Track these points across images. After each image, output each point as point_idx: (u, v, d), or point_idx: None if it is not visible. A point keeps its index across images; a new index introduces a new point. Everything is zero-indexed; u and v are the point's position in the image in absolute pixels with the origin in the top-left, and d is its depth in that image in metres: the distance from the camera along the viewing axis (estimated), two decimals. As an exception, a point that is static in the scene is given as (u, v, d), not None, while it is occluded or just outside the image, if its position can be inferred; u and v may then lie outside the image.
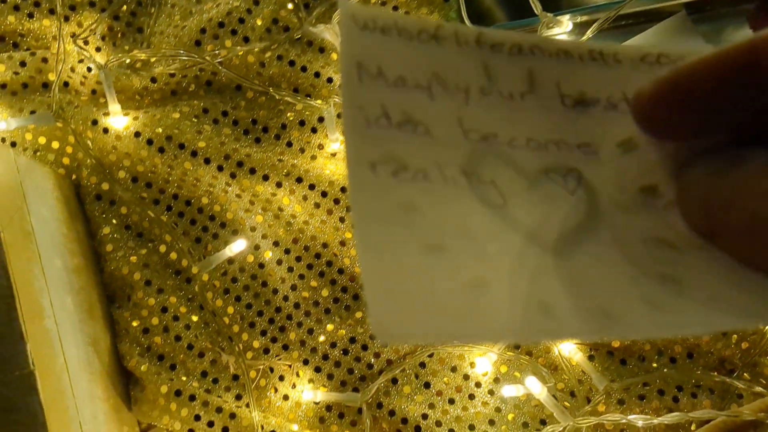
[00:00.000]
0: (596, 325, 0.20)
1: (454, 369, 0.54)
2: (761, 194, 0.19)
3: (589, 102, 0.24)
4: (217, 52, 0.54)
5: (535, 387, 0.48)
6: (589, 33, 0.53)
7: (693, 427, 0.46)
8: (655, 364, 0.52)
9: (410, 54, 0.23)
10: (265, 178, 0.55)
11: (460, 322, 0.19)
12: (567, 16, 0.55)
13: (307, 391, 0.53)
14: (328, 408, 0.53)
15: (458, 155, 0.22)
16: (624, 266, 0.21)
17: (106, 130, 0.53)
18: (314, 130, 0.56)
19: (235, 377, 0.53)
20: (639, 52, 0.24)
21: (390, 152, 0.22)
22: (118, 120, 0.53)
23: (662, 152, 0.23)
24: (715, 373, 0.50)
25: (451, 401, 0.53)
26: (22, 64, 0.54)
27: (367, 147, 0.21)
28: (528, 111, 0.24)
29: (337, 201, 0.55)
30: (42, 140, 0.54)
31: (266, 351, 0.54)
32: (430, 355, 0.53)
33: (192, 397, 0.51)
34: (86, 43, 0.56)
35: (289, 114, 0.56)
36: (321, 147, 0.56)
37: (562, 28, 0.55)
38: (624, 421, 0.44)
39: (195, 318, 0.53)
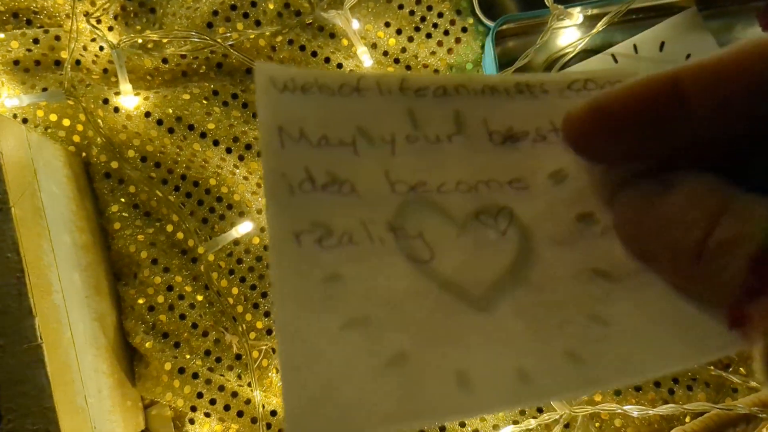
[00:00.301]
0: (511, 393, 0.20)
1: (453, 355, 0.54)
2: (685, 226, 0.19)
3: (518, 136, 0.24)
4: (228, 34, 0.54)
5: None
6: (599, 26, 0.53)
7: (687, 419, 0.47)
8: (652, 357, 0.52)
9: (333, 110, 0.23)
10: (273, 161, 0.55)
11: (377, 412, 0.19)
12: (578, 9, 0.55)
13: (308, 373, 0.53)
14: (329, 390, 0.54)
15: (385, 210, 0.22)
16: (551, 312, 0.21)
17: (116, 110, 0.54)
18: (322, 115, 0.56)
19: (238, 357, 0.54)
20: (566, 79, 0.24)
21: (315, 218, 0.21)
22: (129, 99, 0.54)
23: (594, 179, 0.23)
24: (712, 367, 0.51)
25: (450, 387, 0.53)
26: (35, 41, 0.55)
27: (291, 217, 0.21)
28: (456, 153, 0.23)
29: (343, 186, 0.56)
30: (53, 117, 0.54)
31: (269, 332, 0.54)
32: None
33: (195, 375, 0.52)
34: (99, 22, 0.56)
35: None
36: (329, 132, 0.56)
37: (572, 21, 0.55)
38: (620, 410, 0.44)
39: (200, 297, 0.54)
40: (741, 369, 0.52)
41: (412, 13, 0.58)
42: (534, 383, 0.20)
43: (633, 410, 0.44)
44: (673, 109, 0.19)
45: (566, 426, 0.51)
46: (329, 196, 0.22)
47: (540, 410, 0.52)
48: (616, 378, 0.20)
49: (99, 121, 0.54)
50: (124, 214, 0.55)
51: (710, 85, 0.18)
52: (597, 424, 0.51)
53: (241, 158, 0.55)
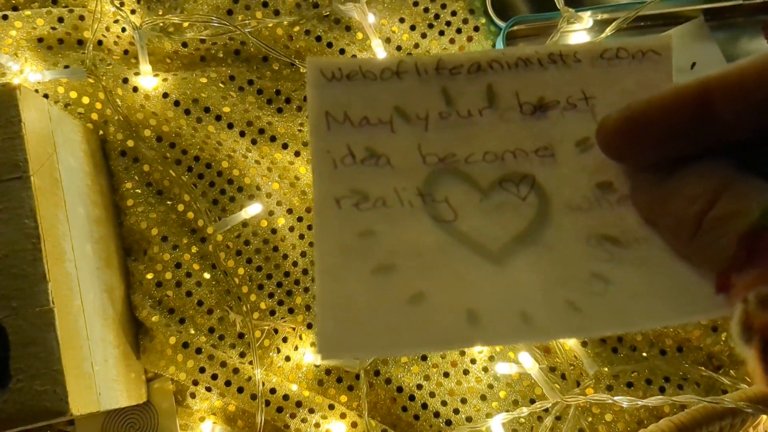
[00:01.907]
0: (514, 329, 0.23)
1: (451, 344, 0.56)
2: (690, 199, 0.21)
3: (548, 106, 0.26)
4: (247, 22, 0.56)
5: (527, 362, 0.50)
6: (608, 31, 0.55)
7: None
8: (645, 354, 0.54)
9: (374, 94, 0.26)
10: (285, 146, 0.57)
11: (395, 336, 0.22)
12: (588, 13, 0.57)
13: (308, 354, 0.55)
14: (328, 372, 0.55)
15: (416, 179, 0.25)
16: (559, 268, 0.24)
17: (135, 89, 0.55)
18: (335, 105, 0.57)
19: (241, 335, 0.55)
20: (598, 48, 0.26)
21: (354, 186, 0.25)
22: (148, 80, 0.55)
23: None
24: (703, 368, 0.52)
25: (446, 375, 0.55)
26: (60, 20, 0.56)
27: (334, 185, 0.25)
28: (486, 126, 0.26)
29: (351, 175, 0.57)
30: (73, 95, 0.56)
31: (272, 313, 0.56)
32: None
33: (198, 350, 0.53)
34: (122, 4, 0.58)
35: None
36: (340, 122, 0.57)
37: (582, 24, 0.57)
38: (609, 401, 0.46)
39: (207, 276, 0.56)
40: (731, 371, 0.53)
41: (426, 10, 0.59)
42: (534, 324, 0.22)
43: (623, 401, 0.45)
44: (703, 116, 0.21)
45: (558, 419, 0.52)
46: (367, 168, 0.25)
47: (533, 402, 0.53)
48: (607, 327, 0.23)
49: (117, 100, 0.55)
50: (137, 191, 0.56)
51: (736, 94, 0.20)
52: (589, 419, 0.53)
53: (254, 142, 0.57)
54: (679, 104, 0.21)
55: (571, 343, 0.54)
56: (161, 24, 0.57)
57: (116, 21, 0.57)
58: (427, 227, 0.25)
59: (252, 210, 0.55)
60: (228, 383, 0.53)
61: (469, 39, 0.59)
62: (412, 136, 0.26)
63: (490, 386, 0.54)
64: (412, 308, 0.23)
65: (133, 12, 0.58)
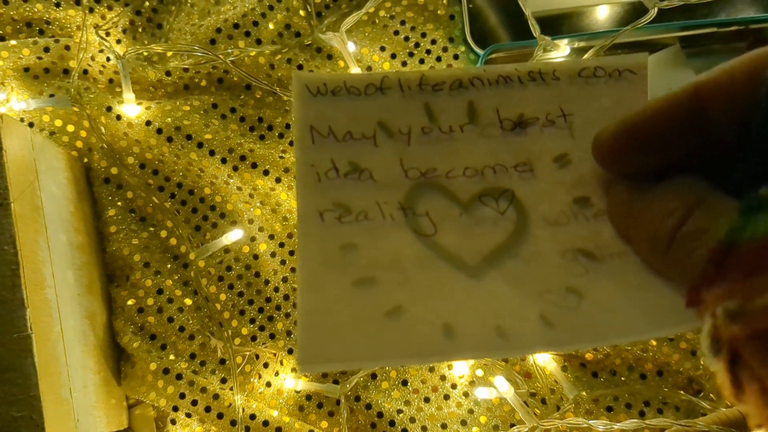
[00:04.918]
0: (489, 344, 0.23)
1: (431, 369, 0.56)
2: (664, 214, 0.22)
3: (527, 122, 0.27)
4: (230, 51, 0.57)
5: (502, 386, 0.50)
6: (585, 58, 0.55)
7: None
8: (624, 378, 0.54)
9: (358, 109, 0.27)
10: (266, 173, 0.58)
11: (373, 349, 0.23)
12: (565, 41, 0.57)
13: (289, 380, 0.55)
14: (308, 397, 0.55)
15: (398, 193, 0.26)
16: (534, 281, 0.24)
17: (119, 117, 0.56)
18: (316, 132, 0.58)
19: (222, 361, 0.55)
20: (576, 66, 0.27)
21: (337, 200, 0.25)
22: (132, 108, 0.56)
23: (595, 166, 0.25)
24: (683, 392, 0.52)
25: (427, 400, 0.55)
26: (46, 49, 0.57)
27: (317, 199, 0.25)
28: (467, 141, 0.27)
29: (332, 201, 0.57)
30: (58, 123, 0.57)
31: (254, 338, 0.56)
32: (410, 355, 0.55)
33: (179, 376, 0.53)
34: (108, 34, 0.59)
35: (293, 115, 0.58)
36: (321, 148, 0.58)
37: (559, 52, 0.58)
38: (585, 425, 0.46)
39: (188, 302, 0.56)
40: (711, 395, 0.53)
41: (406, 39, 0.60)
42: (508, 339, 0.23)
43: (598, 425, 0.45)
44: (696, 117, 0.21)
45: (539, 444, 0.52)
46: (350, 182, 0.26)
47: (513, 426, 0.53)
48: (580, 341, 0.24)
49: (101, 127, 0.56)
50: (120, 217, 0.57)
51: (726, 92, 0.21)
52: (569, 444, 0.53)
53: (235, 169, 0.57)
54: (674, 107, 0.22)
55: (551, 368, 0.54)
56: (145, 53, 0.58)
57: (101, 51, 0.58)
58: (407, 240, 0.25)
59: (233, 236, 0.55)
60: (208, 409, 0.53)
61: (449, 67, 0.60)
62: (395, 150, 0.26)
63: (471, 411, 0.54)
64: (390, 321, 0.23)
65: (118, 42, 0.59)
